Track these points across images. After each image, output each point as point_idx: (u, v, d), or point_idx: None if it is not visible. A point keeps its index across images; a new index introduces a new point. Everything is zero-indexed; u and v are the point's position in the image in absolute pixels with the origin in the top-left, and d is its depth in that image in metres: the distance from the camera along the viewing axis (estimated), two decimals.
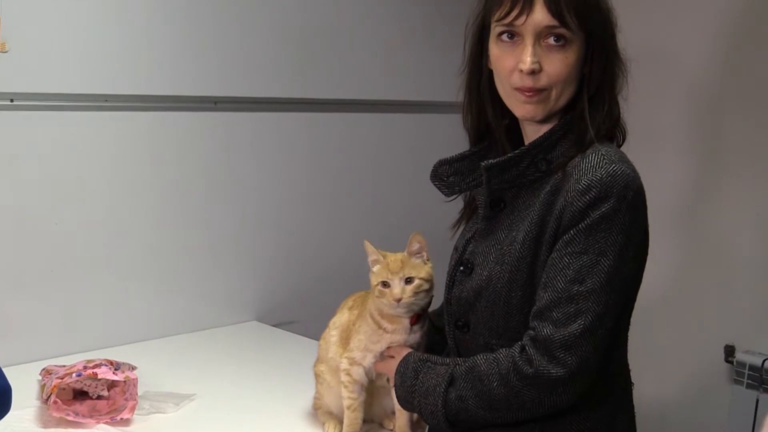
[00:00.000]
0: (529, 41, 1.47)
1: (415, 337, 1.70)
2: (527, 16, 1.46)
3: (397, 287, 1.63)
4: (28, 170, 2.23)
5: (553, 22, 1.45)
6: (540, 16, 1.45)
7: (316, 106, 2.82)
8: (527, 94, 1.49)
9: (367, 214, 3.00)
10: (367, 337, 1.71)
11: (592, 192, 1.41)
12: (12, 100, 2.17)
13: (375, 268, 1.68)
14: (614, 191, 1.41)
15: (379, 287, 1.65)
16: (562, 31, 1.46)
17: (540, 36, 1.47)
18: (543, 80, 1.48)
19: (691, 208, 3.01)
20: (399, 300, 1.63)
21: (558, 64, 1.47)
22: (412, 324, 1.69)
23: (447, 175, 1.65)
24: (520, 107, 1.53)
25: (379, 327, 1.69)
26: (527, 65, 1.46)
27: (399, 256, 1.68)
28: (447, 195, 1.68)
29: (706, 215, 2.98)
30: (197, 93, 2.52)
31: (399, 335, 1.69)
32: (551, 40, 1.47)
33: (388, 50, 2.99)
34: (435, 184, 1.67)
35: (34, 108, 2.21)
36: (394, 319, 1.68)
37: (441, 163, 1.66)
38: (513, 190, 1.55)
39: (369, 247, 1.69)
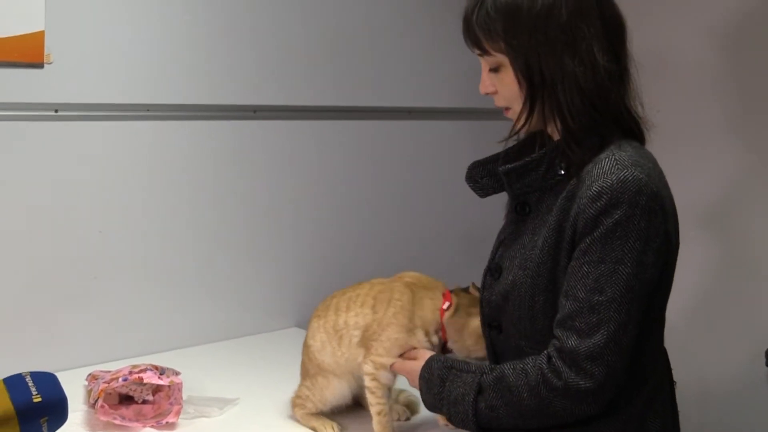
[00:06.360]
0: (483, 67, 1.56)
1: None
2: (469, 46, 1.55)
3: None
4: (72, 179, 2.27)
5: (476, 50, 1.54)
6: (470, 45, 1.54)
7: (355, 114, 2.84)
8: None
9: (404, 220, 3.01)
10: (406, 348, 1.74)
11: (603, 199, 1.40)
12: (56, 111, 2.21)
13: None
14: (625, 197, 1.39)
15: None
16: (485, 56, 1.53)
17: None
18: (500, 100, 1.57)
19: (735, 211, 2.96)
20: None
21: (500, 85, 1.54)
22: None
23: (480, 177, 1.66)
24: None
25: (431, 343, 1.74)
26: (481, 89, 1.57)
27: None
28: (481, 196, 1.70)
29: (750, 219, 2.94)
30: (237, 102, 2.55)
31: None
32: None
33: (423, 57, 3.00)
34: (469, 186, 1.69)
35: (77, 118, 2.25)
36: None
37: (474, 165, 1.68)
38: (536, 194, 1.56)
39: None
